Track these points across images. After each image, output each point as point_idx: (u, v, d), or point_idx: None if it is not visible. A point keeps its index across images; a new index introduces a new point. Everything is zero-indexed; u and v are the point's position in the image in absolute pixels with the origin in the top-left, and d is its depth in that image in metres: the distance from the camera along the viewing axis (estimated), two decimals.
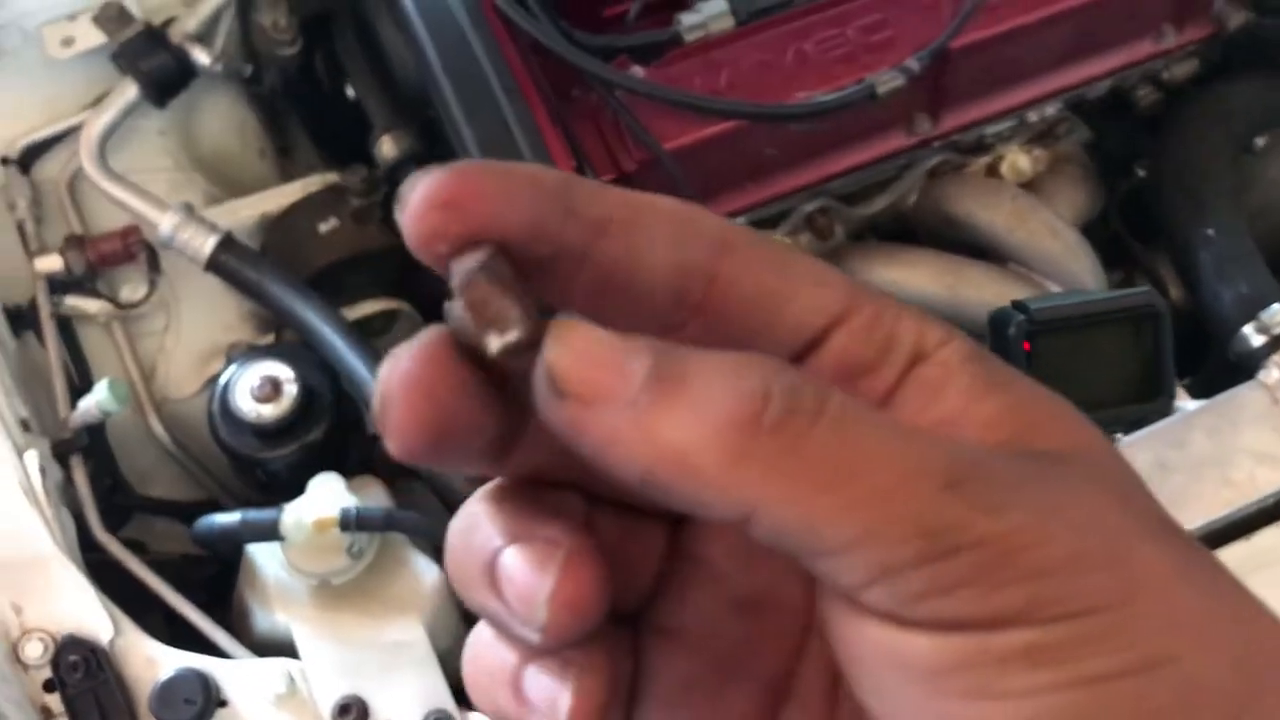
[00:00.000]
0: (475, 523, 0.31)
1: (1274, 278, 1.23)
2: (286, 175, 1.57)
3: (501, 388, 0.29)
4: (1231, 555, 1.07)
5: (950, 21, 1.18)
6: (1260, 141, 1.39)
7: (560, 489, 0.32)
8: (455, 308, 0.28)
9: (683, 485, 0.27)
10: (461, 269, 0.29)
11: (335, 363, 1.15)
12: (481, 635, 0.33)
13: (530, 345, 0.27)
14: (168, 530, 1.28)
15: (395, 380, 0.28)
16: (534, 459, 0.31)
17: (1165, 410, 0.80)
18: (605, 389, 0.27)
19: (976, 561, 0.26)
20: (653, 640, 0.33)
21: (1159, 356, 0.78)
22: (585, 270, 0.30)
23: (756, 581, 0.33)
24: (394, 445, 0.28)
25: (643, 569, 0.34)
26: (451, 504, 1.13)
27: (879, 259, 1.31)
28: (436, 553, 1.12)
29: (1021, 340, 0.78)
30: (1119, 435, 0.82)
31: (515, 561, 0.30)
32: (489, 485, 0.32)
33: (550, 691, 0.31)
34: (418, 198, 0.29)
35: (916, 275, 1.28)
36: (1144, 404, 0.80)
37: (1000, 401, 0.30)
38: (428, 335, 0.28)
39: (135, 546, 1.26)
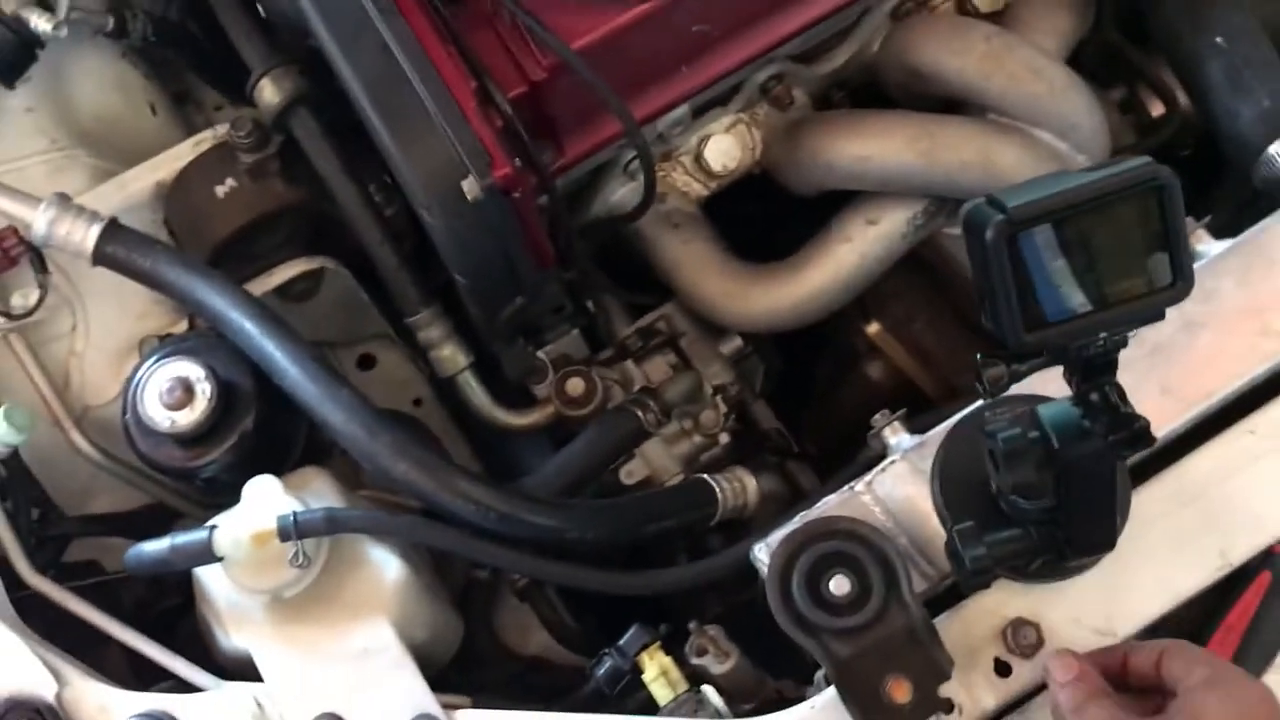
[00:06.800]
0: None
1: None
2: (192, 126, 1.42)
3: None
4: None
5: None
6: None
7: None
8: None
9: None
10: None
11: (250, 350, 1.03)
12: None
13: None
14: (124, 545, 1.18)
15: None
16: None
17: (1183, 295, 0.66)
18: None
19: None
20: None
21: (1171, 237, 0.64)
22: None
23: None
24: None
25: None
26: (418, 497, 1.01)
27: (843, 132, 1.15)
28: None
29: (1001, 247, 0.64)
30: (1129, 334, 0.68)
31: None
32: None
33: None
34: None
35: (888, 145, 1.12)
36: (1159, 294, 0.66)
37: None
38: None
39: (86, 569, 1.17)
